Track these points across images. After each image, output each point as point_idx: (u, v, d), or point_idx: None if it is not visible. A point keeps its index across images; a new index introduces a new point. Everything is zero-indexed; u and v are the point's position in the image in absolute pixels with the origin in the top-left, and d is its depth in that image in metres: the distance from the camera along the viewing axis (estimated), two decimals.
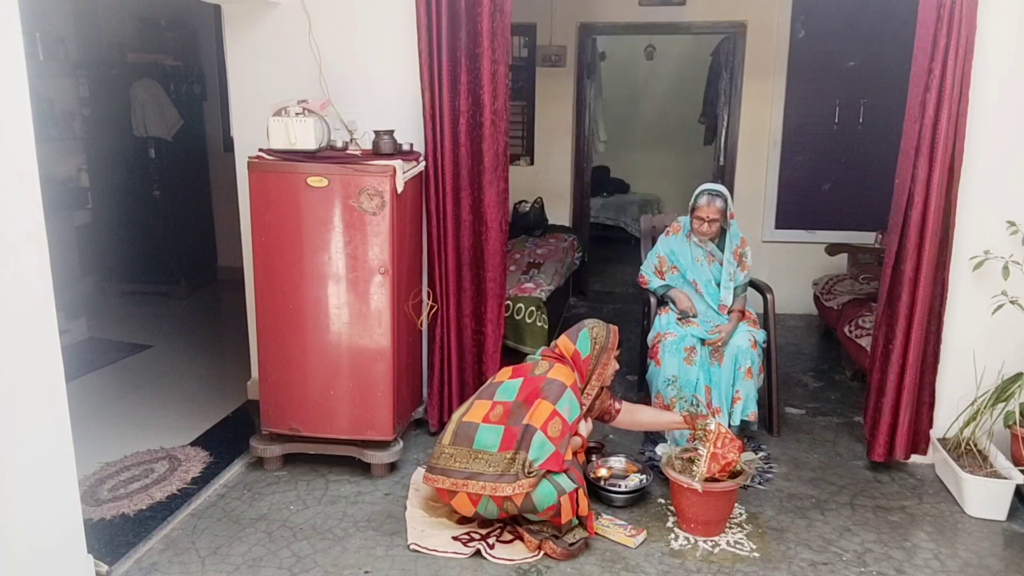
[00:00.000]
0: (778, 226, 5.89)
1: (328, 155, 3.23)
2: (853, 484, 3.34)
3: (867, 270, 5.09)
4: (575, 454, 3.03)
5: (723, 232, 3.70)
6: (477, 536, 2.85)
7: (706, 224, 3.60)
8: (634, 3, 5.76)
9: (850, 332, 4.26)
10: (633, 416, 3.29)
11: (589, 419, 3.20)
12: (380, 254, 3.17)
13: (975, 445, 3.22)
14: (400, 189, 3.16)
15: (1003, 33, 3.10)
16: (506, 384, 3.01)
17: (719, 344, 3.54)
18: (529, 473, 2.71)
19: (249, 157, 3.23)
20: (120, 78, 5.73)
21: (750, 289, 3.83)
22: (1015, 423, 3.12)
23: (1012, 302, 3.13)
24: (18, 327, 2.11)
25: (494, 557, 2.75)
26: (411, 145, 3.44)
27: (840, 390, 4.42)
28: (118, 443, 3.58)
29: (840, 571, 2.72)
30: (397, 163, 3.16)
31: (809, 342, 5.30)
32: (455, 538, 2.85)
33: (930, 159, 3.15)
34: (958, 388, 3.33)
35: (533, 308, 4.31)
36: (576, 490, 2.78)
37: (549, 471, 2.75)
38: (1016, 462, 3.13)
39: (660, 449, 3.53)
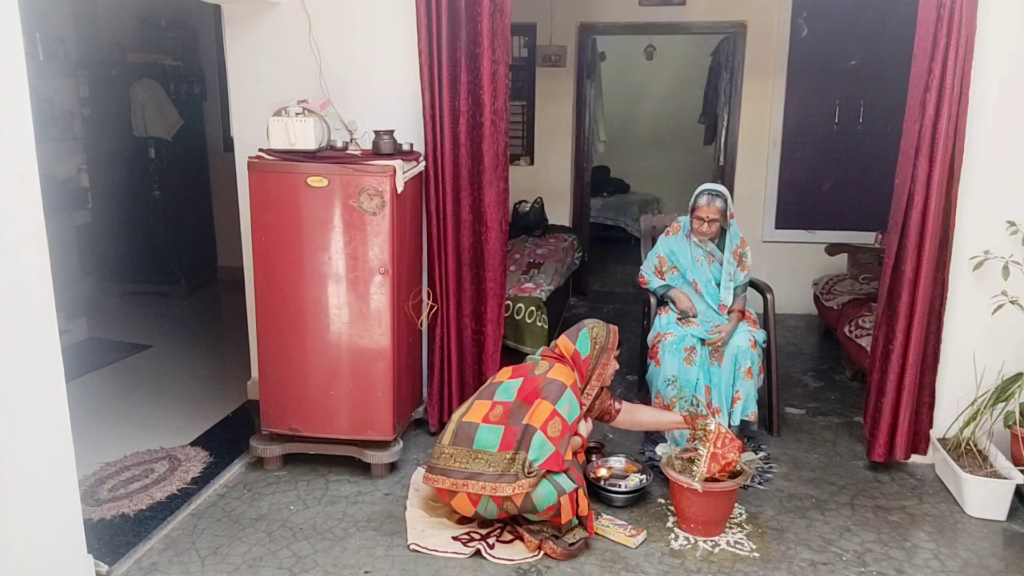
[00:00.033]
0: (778, 226, 5.89)
1: (328, 155, 3.23)
2: (853, 484, 3.34)
3: (867, 270, 5.09)
4: (575, 454, 3.03)
5: (723, 232, 3.70)
6: (477, 536, 2.85)
7: (706, 224, 3.60)
8: (634, 3, 5.76)
9: (850, 332, 4.26)
10: (633, 416, 3.29)
11: (589, 419, 3.20)
12: (380, 254, 3.17)
13: (975, 445, 3.22)
14: (400, 189, 3.16)
15: (1003, 33, 3.10)
16: (506, 384, 3.01)
17: (719, 344, 3.54)
18: (529, 473, 2.71)
19: (249, 157, 3.23)
20: (120, 78, 5.73)
21: (750, 289, 3.83)
22: (1015, 423, 3.12)
23: (1012, 302, 3.13)
24: (18, 327, 2.11)
25: (494, 557, 2.75)
26: (411, 145, 3.44)
27: (840, 390, 4.42)
28: (118, 443, 3.58)
29: (840, 571, 2.73)
30: (397, 163, 3.16)
31: (809, 342, 5.30)
32: (455, 538, 2.85)
33: (930, 159, 3.15)
34: (958, 388, 3.33)
35: (533, 308, 4.32)
36: (576, 490, 2.78)
37: (549, 471, 2.75)
38: (1016, 462, 3.13)
39: (660, 449, 3.53)
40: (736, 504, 3.04)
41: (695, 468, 2.88)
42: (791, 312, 5.67)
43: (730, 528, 2.97)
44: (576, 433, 3.01)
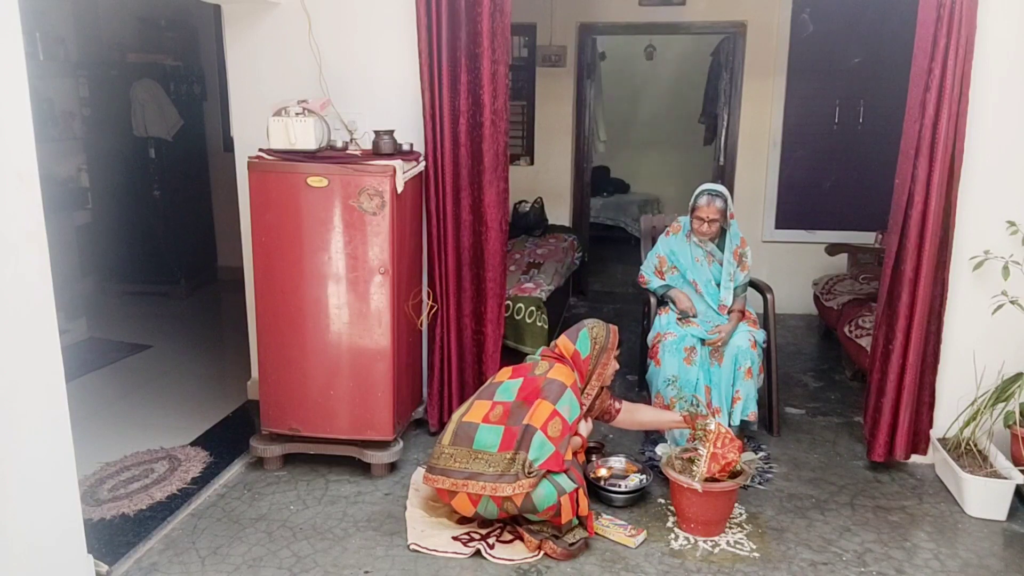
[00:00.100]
0: (778, 226, 5.89)
1: (328, 155, 3.23)
2: (853, 484, 3.34)
3: (867, 270, 5.09)
4: (575, 454, 3.03)
5: (723, 232, 3.70)
6: (477, 536, 2.85)
7: (706, 224, 3.60)
8: (634, 3, 5.76)
9: (850, 332, 4.26)
10: (633, 416, 3.29)
11: (589, 419, 3.20)
12: (380, 254, 3.17)
13: (975, 445, 3.21)
14: (400, 189, 3.16)
15: (1003, 33, 3.10)
16: (506, 384, 3.01)
17: (719, 344, 3.54)
18: (529, 473, 2.71)
19: (249, 157, 3.23)
20: (120, 78, 5.73)
21: (750, 289, 3.84)
22: (1015, 423, 3.12)
23: (1012, 302, 3.13)
24: (18, 327, 2.11)
25: (494, 557, 2.75)
26: (411, 145, 3.44)
27: (840, 390, 4.42)
28: (118, 443, 3.58)
29: (840, 571, 2.72)
30: (397, 163, 3.16)
31: (809, 342, 5.30)
32: (455, 538, 2.85)
33: (930, 159, 3.15)
34: (958, 388, 3.33)
35: (533, 308, 4.31)
36: (576, 490, 2.78)
37: (549, 471, 2.75)
38: (1016, 462, 3.13)
39: (660, 449, 3.53)
40: (736, 504, 3.04)
41: (695, 468, 2.88)
42: (791, 312, 5.67)
43: (730, 528, 2.97)
44: (576, 433, 3.01)
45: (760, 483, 3.31)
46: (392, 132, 3.28)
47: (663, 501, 3.16)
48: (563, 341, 3.19)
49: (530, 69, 6.14)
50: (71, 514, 2.37)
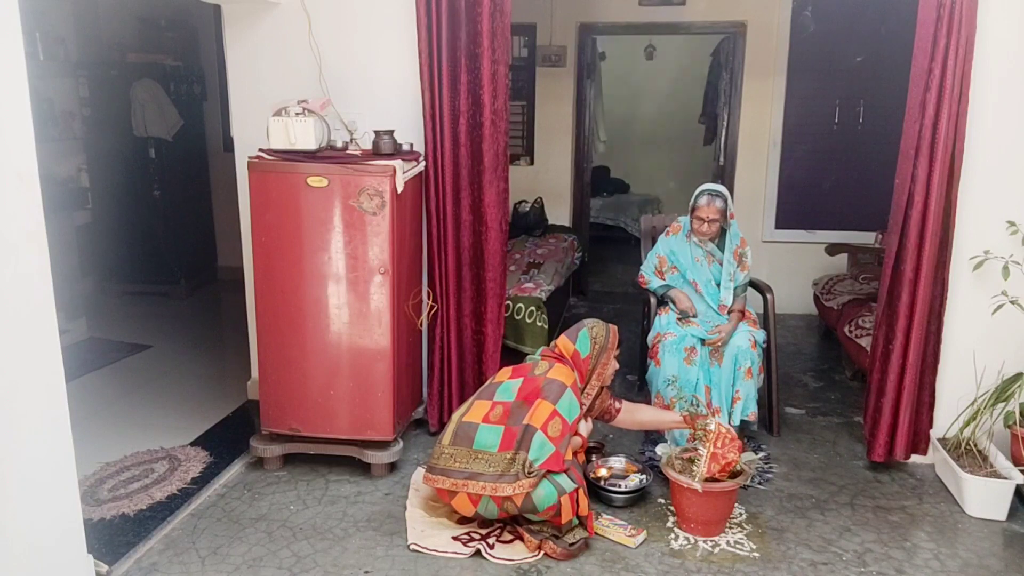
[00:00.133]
0: (778, 226, 5.89)
1: (328, 155, 3.23)
2: (853, 484, 3.34)
3: (867, 270, 5.09)
4: (575, 454, 3.03)
5: (723, 232, 3.70)
6: (477, 536, 2.85)
7: (706, 224, 3.60)
8: (634, 3, 5.76)
9: (850, 332, 4.26)
10: (633, 416, 3.29)
11: (589, 419, 3.20)
12: (380, 254, 3.17)
13: (975, 445, 3.21)
14: (400, 189, 3.16)
15: (1003, 33, 3.10)
16: (506, 384, 3.01)
17: (719, 344, 3.54)
18: (529, 473, 2.71)
19: (249, 157, 3.23)
20: (120, 78, 5.73)
21: (750, 289, 3.83)
22: (1015, 423, 3.12)
23: (1012, 302, 3.13)
24: (18, 327, 2.11)
25: (494, 557, 2.75)
26: (411, 145, 3.44)
27: (840, 390, 4.42)
28: (118, 443, 3.58)
29: (840, 571, 2.72)
30: (397, 163, 3.16)
31: (809, 342, 5.30)
32: (455, 538, 2.85)
33: (930, 159, 3.15)
34: (958, 388, 3.33)
35: (533, 308, 4.31)
36: (576, 490, 2.78)
37: (549, 471, 2.75)
38: (1016, 462, 3.13)
39: (660, 449, 3.53)
40: (736, 504, 3.04)
41: (695, 468, 2.87)
42: (791, 312, 5.67)
43: (730, 528, 2.97)
44: (576, 433, 3.01)
45: (760, 483, 3.31)
46: (392, 132, 3.28)
47: (663, 501, 3.16)
48: (563, 341, 3.19)
49: (530, 69, 6.15)
50: (71, 514, 2.37)
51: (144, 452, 3.52)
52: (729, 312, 3.66)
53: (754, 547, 2.85)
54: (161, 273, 6.07)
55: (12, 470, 2.12)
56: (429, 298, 3.59)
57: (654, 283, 3.83)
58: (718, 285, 3.69)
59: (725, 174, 5.93)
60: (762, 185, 5.84)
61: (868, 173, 5.62)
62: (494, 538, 2.84)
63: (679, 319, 3.65)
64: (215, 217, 6.56)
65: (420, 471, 3.27)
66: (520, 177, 6.14)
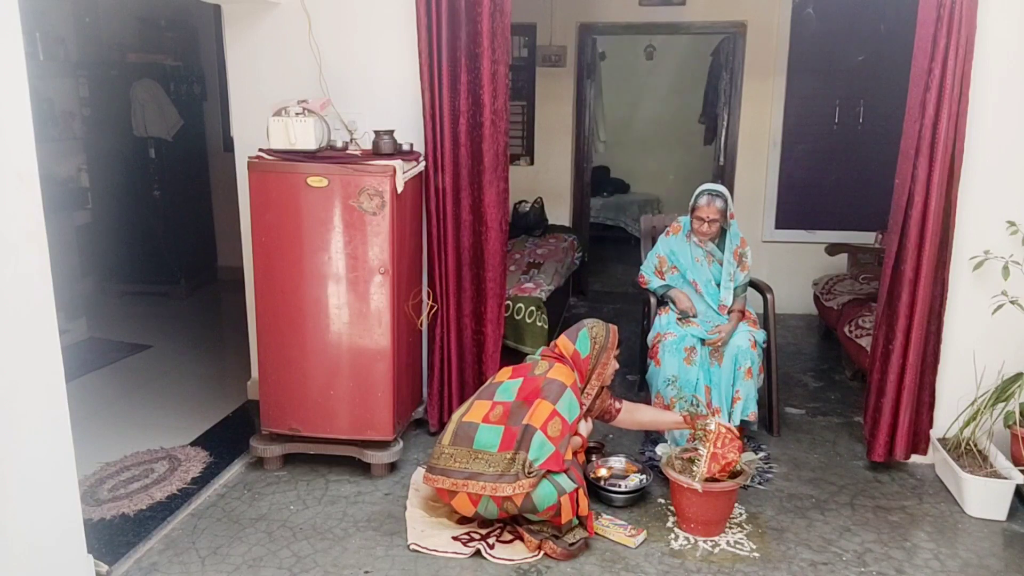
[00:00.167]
0: (778, 226, 5.89)
1: (328, 155, 3.23)
2: (853, 484, 3.34)
3: (867, 270, 5.09)
4: (575, 454, 3.03)
5: (723, 232, 3.70)
6: (477, 536, 2.85)
7: (706, 224, 3.60)
8: (634, 3, 5.76)
9: (850, 332, 4.26)
10: (633, 415, 3.29)
11: (589, 419, 3.20)
12: (380, 254, 3.17)
13: (975, 445, 3.21)
14: (400, 189, 3.16)
15: (1003, 33, 3.10)
16: (506, 384, 3.01)
17: (719, 344, 3.54)
18: (529, 473, 2.71)
19: (249, 157, 3.23)
20: (120, 78, 5.73)
21: (750, 289, 3.83)
22: (1015, 423, 3.12)
23: (1012, 302, 3.13)
24: (18, 327, 2.11)
25: (494, 557, 2.75)
26: (411, 145, 3.44)
27: (840, 390, 4.42)
28: (118, 443, 3.58)
29: (840, 571, 2.72)
30: (397, 163, 3.16)
31: (809, 342, 5.30)
32: (455, 538, 2.85)
33: (930, 159, 3.15)
34: (958, 388, 3.33)
35: (533, 308, 4.31)
36: (576, 490, 2.78)
37: (549, 471, 2.75)
38: (1016, 462, 3.13)
39: (660, 449, 3.53)
40: (736, 504, 3.04)
41: (695, 468, 2.87)
42: (791, 312, 5.67)
43: (730, 528, 2.97)
44: (576, 433, 3.01)
45: (760, 483, 3.31)
46: (392, 132, 3.28)
47: (663, 501, 3.16)
48: (563, 341, 3.19)
49: (530, 69, 6.14)
50: (71, 514, 2.37)
51: (144, 452, 3.52)
52: (729, 312, 3.66)
53: (754, 547, 2.85)
54: (161, 273, 6.07)
55: (12, 470, 2.12)
56: (429, 298, 3.59)
57: (654, 283, 3.83)
58: (718, 285, 3.69)
59: (725, 174, 5.93)
60: (762, 185, 5.84)
61: (868, 173, 5.62)
62: (494, 538, 2.84)
63: (679, 319, 3.65)
64: (215, 217, 6.55)
65: (420, 471, 3.27)
66: (520, 177, 6.14)
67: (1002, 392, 3.18)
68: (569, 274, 5.59)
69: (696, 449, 2.93)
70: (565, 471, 2.78)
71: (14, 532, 2.14)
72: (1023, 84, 3.14)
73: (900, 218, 3.26)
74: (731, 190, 5.60)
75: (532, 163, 6.32)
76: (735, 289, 3.68)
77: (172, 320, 5.61)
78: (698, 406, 3.23)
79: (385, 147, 3.25)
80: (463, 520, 2.94)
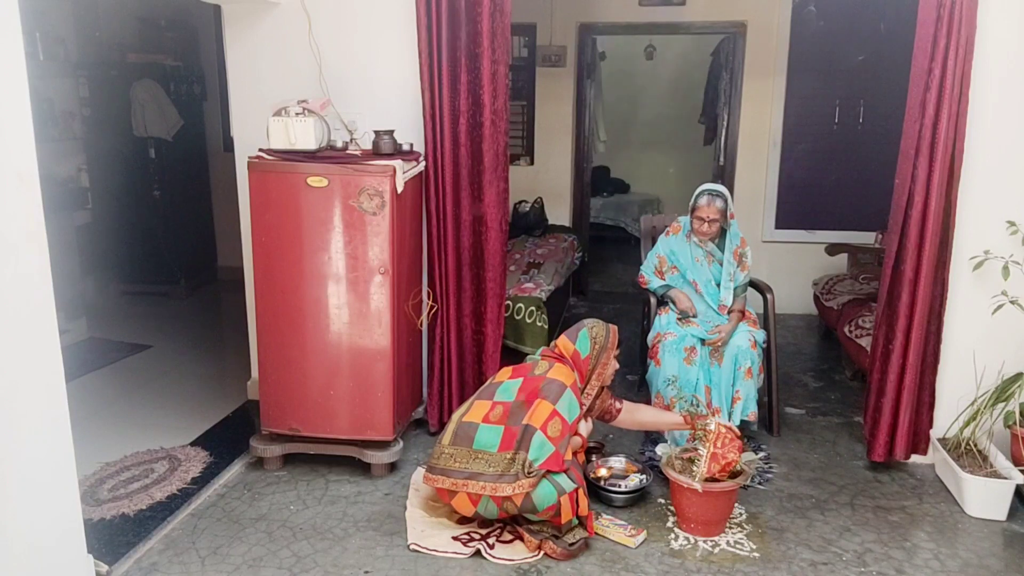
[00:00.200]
0: (778, 226, 5.89)
1: (328, 155, 3.23)
2: (853, 484, 3.34)
3: (867, 270, 5.09)
4: (575, 454, 3.03)
5: (723, 232, 3.70)
6: (477, 536, 2.85)
7: (706, 224, 3.60)
8: (634, 3, 5.76)
9: (850, 332, 4.26)
10: (634, 416, 3.29)
11: (589, 419, 3.20)
12: (380, 254, 3.17)
13: (975, 445, 3.21)
14: (400, 189, 3.16)
15: (1003, 33, 3.10)
16: (506, 384, 3.01)
17: (719, 344, 3.54)
18: (529, 473, 2.71)
19: (249, 157, 3.23)
20: (120, 78, 5.73)
21: (750, 289, 3.84)
22: (1015, 423, 3.12)
23: (1012, 302, 3.13)
24: (18, 327, 2.11)
25: (494, 557, 2.75)
26: (411, 145, 3.44)
27: (840, 390, 4.42)
28: (118, 443, 3.58)
29: (840, 571, 2.72)
30: (397, 163, 3.16)
31: (809, 342, 5.30)
32: (455, 538, 2.85)
33: (930, 159, 3.15)
34: (958, 388, 3.33)
35: (533, 308, 4.31)
36: (576, 490, 2.78)
37: (549, 471, 2.75)
38: (1016, 462, 3.13)
39: (660, 449, 3.53)
40: (736, 504, 3.04)
41: (695, 468, 2.87)
42: (791, 312, 5.67)
43: (730, 528, 2.97)
44: (576, 433, 3.01)
45: (760, 483, 3.31)
46: (392, 132, 3.28)
47: (663, 501, 3.16)
48: (563, 341, 3.19)
49: (530, 69, 6.14)
50: (71, 514, 2.37)
51: (144, 452, 3.52)
52: (729, 312, 3.66)
53: (754, 547, 2.85)
54: (161, 273, 6.08)
55: (12, 470, 2.12)
56: (429, 298, 3.59)
57: (654, 283, 3.83)
58: (718, 285, 3.69)
59: (725, 174, 5.93)
60: (762, 185, 5.84)
61: (868, 173, 5.62)
62: (494, 538, 2.84)
63: (679, 319, 3.65)
64: (215, 217, 6.56)
65: (420, 471, 3.27)
66: (520, 177, 6.14)
67: (1002, 392, 3.18)
68: (569, 274, 5.59)
69: (696, 449, 2.93)
70: (565, 471, 2.78)
71: (14, 532, 2.14)
72: (1023, 84, 3.14)
73: (900, 218, 3.26)
74: (731, 190, 5.60)
75: (532, 163, 6.32)
76: (735, 289, 3.68)
77: (172, 320, 5.61)
78: (698, 406, 3.23)
79: (385, 147, 3.25)
80: (463, 520, 2.94)
